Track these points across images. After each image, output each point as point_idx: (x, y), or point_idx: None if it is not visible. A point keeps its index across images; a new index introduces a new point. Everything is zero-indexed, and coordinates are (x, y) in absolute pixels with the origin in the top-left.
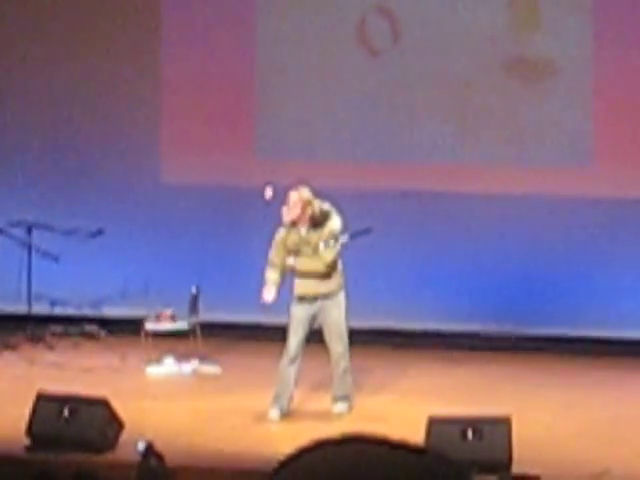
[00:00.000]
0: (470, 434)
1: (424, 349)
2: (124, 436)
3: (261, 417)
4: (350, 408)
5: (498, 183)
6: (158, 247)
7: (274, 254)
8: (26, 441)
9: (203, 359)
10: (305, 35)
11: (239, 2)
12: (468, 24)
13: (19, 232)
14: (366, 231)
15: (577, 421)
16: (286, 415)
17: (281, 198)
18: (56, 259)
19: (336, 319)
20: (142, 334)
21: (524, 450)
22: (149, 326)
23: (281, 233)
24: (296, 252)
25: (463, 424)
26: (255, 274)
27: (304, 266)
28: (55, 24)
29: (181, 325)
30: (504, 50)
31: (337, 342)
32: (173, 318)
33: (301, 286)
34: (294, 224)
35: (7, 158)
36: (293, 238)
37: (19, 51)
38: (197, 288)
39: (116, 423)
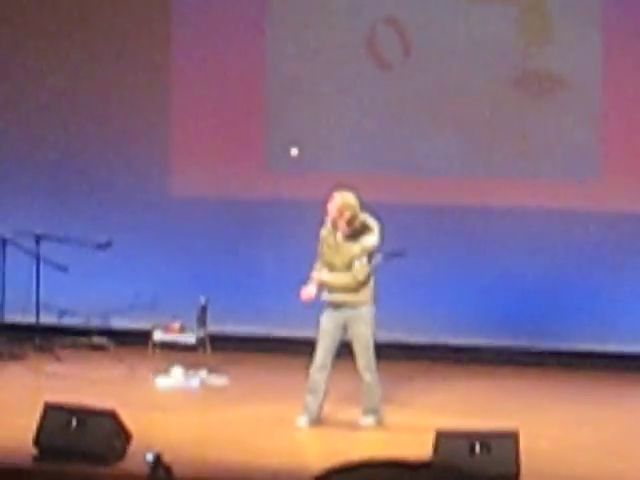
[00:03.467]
0: (478, 448)
1: (431, 363)
2: (132, 447)
3: (269, 429)
4: (378, 422)
5: (506, 197)
6: (167, 259)
7: (320, 250)
8: (34, 452)
9: (211, 371)
10: (315, 48)
11: (249, 16)
12: (478, 38)
13: (28, 243)
14: (401, 253)
15: (585, 435)
16: (315, 424)
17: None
18: (65, 270)
19: (361, 332)
20: (150, 346)
21: (532, 464)
22: (157, 337)
23: (323, 232)
24: (328, 258)
25: (471, 438)
26: (263, 286)
27: (335, 278)
28: (64, 34)
29: (189, 337)
30: (514, 64)
31: (361, 355)
32: (181, 330)
33: (329, 295)
34: (334, 226)
35: (17, 169)
36: (330, 241)
37: (28, 62)
38: (205, 300)
39: (124, 434)
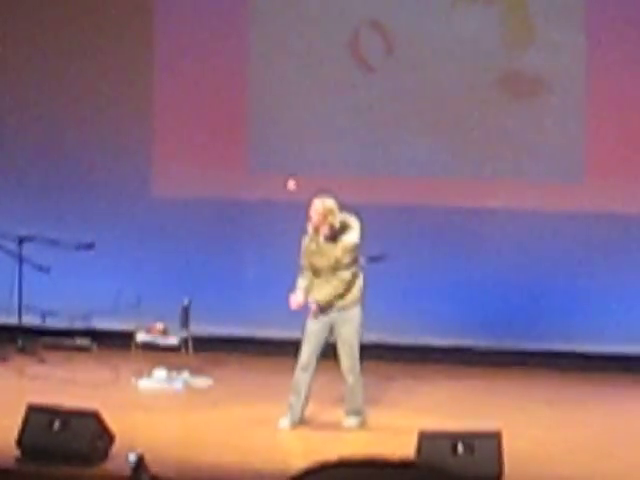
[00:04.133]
0: (461, 449)
1: (413, 363)
2: (115, 448)
3: (252, 430)
4: (361, 423)
5: (490, 198)
6: (150, 260)
7: (303, 260)
8: (16, 453)
9: (194, 372)
10: (298, 51)
11: (232, 17)
12: (461, 39)
13: (10, 244)
14: (381, 257)
15: (567, 436)
16: (297, 425)
17: (280, 209)
18: (47, 271)
19: (347, 334)
20: (133, 347)
21: (514, 465)
22: (140, 339)
23: (305, 240)
24: (313, 262)
25: (454, 439)
26: (246, 288)
27: (327, 294)
28: (47, 39)
29: (172, 338)
30: (497, 65)
31: (345, 357)
32: (164, 331)
33: (313, 293)
34: (316, 232)
35: None
36: (311, 246)
37: (12, 65)
38: (188, 301)
39: (107, 435)
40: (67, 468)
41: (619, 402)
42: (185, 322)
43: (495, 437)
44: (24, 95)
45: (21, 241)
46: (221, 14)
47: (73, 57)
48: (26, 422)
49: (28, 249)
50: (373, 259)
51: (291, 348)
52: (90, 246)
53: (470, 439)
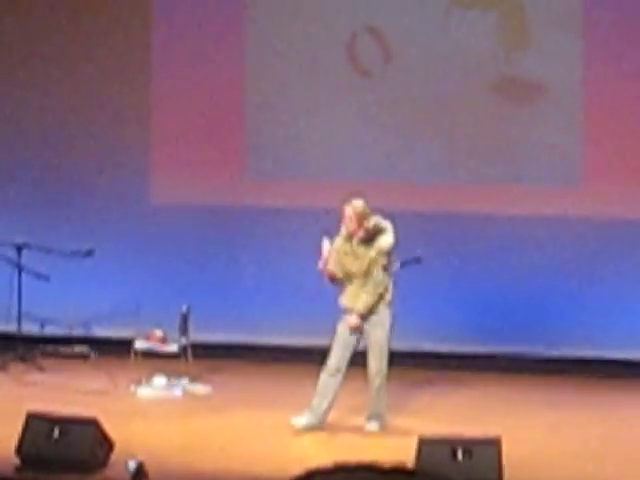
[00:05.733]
0: (460, 454)
1: (411, 369)
2: (114, 456)
3: (252, 437)
4: (382, 427)
5: (487, 203)
6: (148, 267)
7: (333, 266)
8: (16, 461)
9: (193, 379)
10: (296, 56)
11: (229, 23)
12: (458, 44)
13: (9, 252)
14: (417, 260)
15: (567, 441)
16: (316, 429)
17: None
18: (47, 279)
19: (378, 337)
20: (132, 354)
21: (514, 470)
22: (139, 346)
23: (338, 241)
24: (347, 266)
25: (453, 444)
26: (245, 294)
27: (365, 302)
28: (44, 45)
29: (171, 345)
30: (494, 70)
31: (374, 360)
32: (163, 338)
33: (345, 299)
34: (351, 236)
35: None
36: (346, 248)
37: (8, 73)
38: (187, 308)
39: (106, 443)
40: (67, 476)
41: (618, 407)
42: (184, 329)
43: (494, 443)
44: (21, 103)
45: (20, 249)
46: (219, 19)
47: (70, 63)
48: (25, 430)
49: (27, 257)
50: (408, 263)
51: (291, 354)
52: (89, 254)
53: (469, 445)
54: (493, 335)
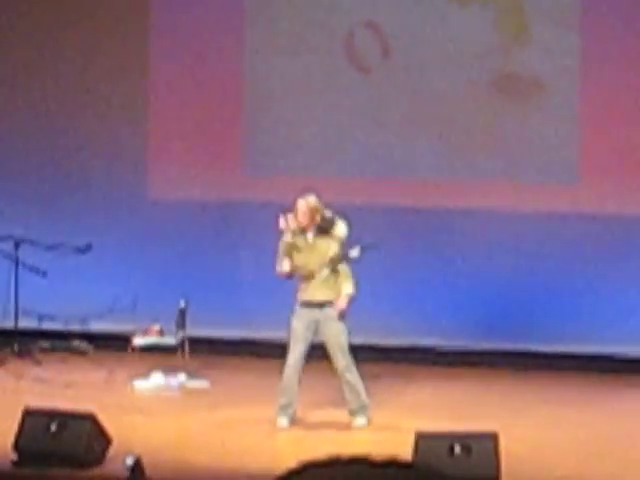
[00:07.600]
0: (458, 450)
1: (410, 365)
2: (112, 451)
3: (249, 432)
4: (369, 420)
5: (486, 199)
6: (146, 263)
7: (284, 264)
8: (13, 456)
9: (191, 374)
10: (294, 52)
11: (228, 18)
12: (456, 41)
13: (6, 247)
14: (374, 245)
15: (564, 437)
16: (294, 423)
17: (269, 213)
18: (44, 274)
19: (334, 333)
20: (129, 349)
21: (512, 466)
22: (136, 341)
23: (288, 238)
24: (303, 261)
25: (451, 440)
26: (242, 289)
27: (349, 287)
28: (43, 43)
29: (169, 340)
30: (492, 67)
31: (336, 356)
32: (161, 333)
33: (306, 293)
34: (303, 230)
35: None
36: (300, 243)
37: (6, 68)
38: (185, 303)
39: (104, 438)
40: (64, 471)
41: (616, 403)
42: (182, 324)
43: (492, 438)
44: (19, 98)
45: (17, 244)
46: (217, 15)
47: (69, 60)
48: (23, 425)
49: (24, 252)
50: (366, 248)
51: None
52: (86, 249)
53: (467, 440)
54: (491, 331)
